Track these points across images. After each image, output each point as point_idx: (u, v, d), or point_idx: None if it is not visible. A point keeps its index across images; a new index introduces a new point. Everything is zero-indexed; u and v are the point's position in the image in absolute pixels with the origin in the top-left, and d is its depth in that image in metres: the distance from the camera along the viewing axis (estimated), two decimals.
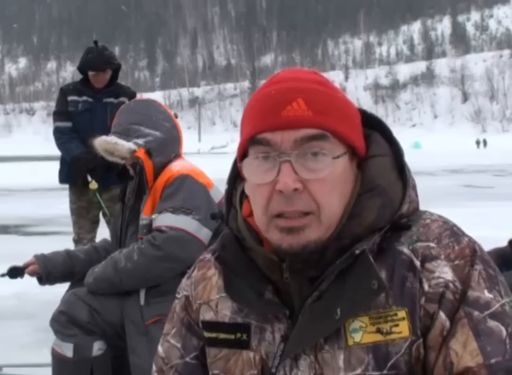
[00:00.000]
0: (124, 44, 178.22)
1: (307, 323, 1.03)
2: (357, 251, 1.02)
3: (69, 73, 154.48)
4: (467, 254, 1.04)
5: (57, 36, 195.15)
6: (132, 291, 2.58)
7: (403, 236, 1.06)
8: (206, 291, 1.18)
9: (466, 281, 1.01)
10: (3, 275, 2.86)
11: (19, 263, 2.88)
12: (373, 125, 1.14)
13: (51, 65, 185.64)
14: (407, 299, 1.02)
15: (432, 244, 1.04)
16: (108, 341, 2.61)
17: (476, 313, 0.99)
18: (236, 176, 1.17)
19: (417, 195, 1.11)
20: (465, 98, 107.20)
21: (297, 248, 1.03)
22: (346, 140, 1.05)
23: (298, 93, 1.03)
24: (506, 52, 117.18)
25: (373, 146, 1.11)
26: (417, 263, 1.03)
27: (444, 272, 1.02)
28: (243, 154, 1.08)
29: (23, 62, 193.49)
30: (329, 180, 1.02)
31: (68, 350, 2.55)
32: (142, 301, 2.55)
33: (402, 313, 1.01)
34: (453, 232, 1.06)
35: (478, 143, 57.68)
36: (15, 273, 2.84)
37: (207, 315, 1.16)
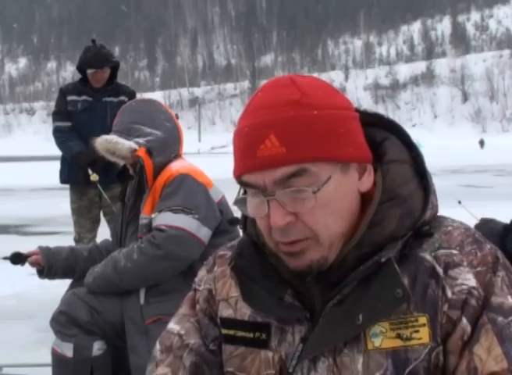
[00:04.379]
0: (124, 44, 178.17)
1: (328, 327, 1.04)
2: (383, 260, 1.03)
3: (69, 73, 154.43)
4: (490, 261, 1.04)
5: (57, 36, 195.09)
6: (132, 291, 2.59)
7: (425, 243, 1.06)
8: (225, 288, 1.18)
9: (489, 288, 1.02)
10: (5, 258, 2.85)
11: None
12: (390, 129, 1.13)
13: (51, 65, 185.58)
14: (428, 306, 1.02)
15: (454, 251, 1.04)
16: (108, 341, 2.61)
17: (500, 319, 1.00)
18: None
19: (436, 200, 1.11)
20: (465, 98, 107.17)
21: (302, 269, 1.05)
22: (332, 160, 1.02)
23: (269, 128, 1.01)
24: (506, 52, 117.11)
25: (391, 150, 1.10)
26: (440, 270, 1.03)
27: (467, 279, 1.02)
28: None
29: (23, 62, 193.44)
30: (319, 206, 1.02)
31: (68, 350, 2.56)
32: (142, 301, 2.55)
33: (423, 319, 1.01)
34: (476, 239, 1.07)
35: (481, 143, 57.64)
36: (17, 259, 2.83)
37: (225, 312, 1.16)
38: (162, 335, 1.23)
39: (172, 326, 1.22)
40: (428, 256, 1.04)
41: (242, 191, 1.11)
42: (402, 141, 1.12)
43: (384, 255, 1.03)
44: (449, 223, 1.10)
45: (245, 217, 1.18)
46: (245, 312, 1.14)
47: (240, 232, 1.38)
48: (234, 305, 1.16)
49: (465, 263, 1.03)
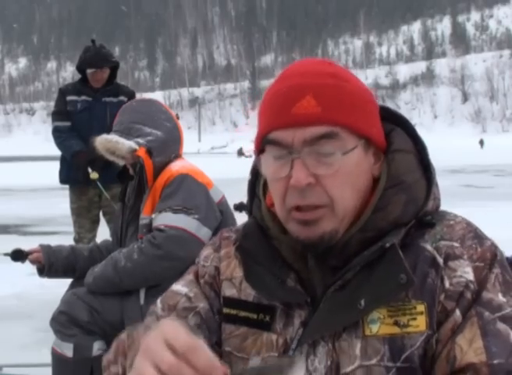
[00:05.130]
0: (124, 44, 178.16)
1: (329, 311, 1.05)
2: (388, 245, 1.04)
3: (69, 73, 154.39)
4: (488, 257, 1.05)
5: (57, 36, 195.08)
6: (132, 291, 2.58)
7: (426, 234, 1.08)
8: (229, 268, 1.19)
9: (482, 283, 1.03)
10: (6, 254, 2.85)
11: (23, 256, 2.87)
12: (396, 121, 1.16)
13: (51, 65, 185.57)
14: (427, 294, 1.03)
15: (455, 244, 1.06)
16: (108, 341, 2.61)
17: (487, 314, 1.01)
18: (258, 167, 1.19)
19: (439, 193, 1.13)
20: (465, 98, 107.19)
21: (314, 240, 1.05)
22: (358, 131, 1.06)
23: (307, 89, 1.04)
24: (506, 52, 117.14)
25: (397, 140, 1.13)
26: (440, 261, 1.05)
27: (466, 272, 1.04)
28: (259, 149, 1.11)
29: (23, 62, 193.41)
30: (341, 173, 1.04)
31: (68, 350, 2.55)
32: (142, 301, 2.55)
33: (421, 307, 1.03)
34: (477, 234, 1.09)
35: (481, 143, 57.70)
36: (18, 256, 2.83)
37: (228, 291, 1.16)
38: (166, 295, 1.21)
39: (180, 287, 1.21)
40: (429, 246, 1.06)
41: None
42: (407, 133, 1.15)
43: (388, 240, 1.05)
44: (451, 217, 1.12)
45: (251, 202, 1.20)
46: (250, 292, 1.14)
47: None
48: (238, 285, 1.16)
49: (465, 257, 1.05)
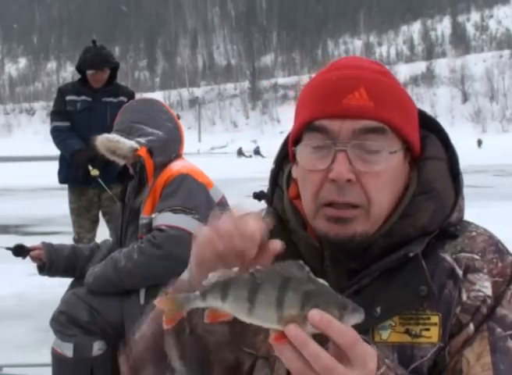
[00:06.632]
0: (124, 45, 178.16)
1: None
2: (411, 254, 1.01)
3: (69, 73, 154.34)
4: (508, 273, 1.03)
5: (57, 36, 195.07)
6: (132, 291, 2.58)
7: (447, 244, 1.05)
8: None
9: (498, 298, 1.02)
10: (8, 248, 2.86)
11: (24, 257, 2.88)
12: (430, 127, 1.13)
13: (51, 65, 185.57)
14: (442, 306, 1.01)
15: (476, 257, 1.04)
16: (108, 341, 2.61)
17: (499, 330, 1.00)
18: (284, 157, 1.16)
19: (464, 204, 1.10)
20: (465, 98, 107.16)
21: (344, 239, 1.01)
22: (404, 135, 1.03)
23: (360, 81, 1.01)
24: (506, 52, 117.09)
25: (430, 148, 1.09)
26: (460, 272, 1.03)
27: (485, 286, 1.02)
28: (297, 138, 1.07)
29: (23, 62, 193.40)
30: (383, 174, 1.01)
31: (68, 350, 2.55)
32: (142, 301, 2.55)
33: (435, 318, 1.01)
34: (498, 248, 1.06)
35: (479, 142, 57.84)
36: (19, 251, 2.84)
37: None
38: (175, 283, 1.20)
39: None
40: (448, 257, 1.04)
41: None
42: (440, 139, 1.12)
43: (412, 249, 1.02)
44: (473, 228, 1.09)
45: (272, 192, 1.16)
46: None
47: None
48: None
49: (485, 270, 1.03)
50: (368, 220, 1.02)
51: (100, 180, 4.53)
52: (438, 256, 1.04)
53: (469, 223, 1.11)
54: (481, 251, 1.04)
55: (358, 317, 0.77)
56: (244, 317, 0.79)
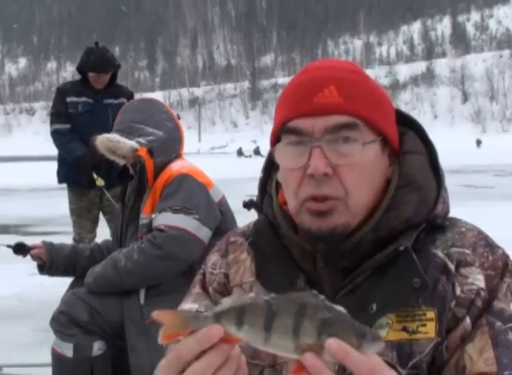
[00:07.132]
0: (124, 45, 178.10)
1: None
2: (401, 248, 1.03)
3: (69, 73, 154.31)
4: (499, 266, 1.05)
5: (57, 36, 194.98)
6: (132, 291, 2.59)
7: (437, 240, 1.07)
8: (239, 274, 1.18)
9: (493, 292, 1.03)
10: (8, 246, 2.86)
11: (23, 259, 2.88)
12: (408, 124, 1.15)
13: (51, 65, 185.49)
14: (437, 301, 1.02)
15: (467, 251, 1.05)
16: (108, 341, 2.61)
17: (498, 324, 1.00)
18: (271, 165, 1.18)
19: (448, 197, 1.12)
20: (465, 98, 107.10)
21: (326, 232, 1.03)
22: (377, 127, 1.06)
23: (330, 80, 1.04)
24: (506, 52, 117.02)
25: (408, 142, 1.12)
26: (452, 267, 1.04)
27: (477, 279, 1.03)
28: (275, 141, 1.10)
29: (23, 62, 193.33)
30: (359, 166, 1.03)
31: (68, 350, 2.56)
32: (142, 301, 2.55)
33: (431, 314, 1.02)
34: (488, 242, 1.08)
35: (478, 142, 57.86)
36: (20, 249, 2.85)
37: None
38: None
39: (190, 305, 1.19)
40: (439, 253, 1.05)
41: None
42: (419, 136, 1.14)
43: (402, 243, 1.03)
44: (462, 224, 1.11)
45: (261, 199, 1.18)
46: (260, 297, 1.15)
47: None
48: (249, 291, 1.14)
49: (477, 264, 1.04)
50: (347, 211, 1.03)
51: (105, 191, 4.51)
52: (429, 253, 1.05)
53: (458, 220, 1.13)
54: (472, 246, 1.06)
55: (377, 346, 0.75)
56: (260, 346, 0.77)
